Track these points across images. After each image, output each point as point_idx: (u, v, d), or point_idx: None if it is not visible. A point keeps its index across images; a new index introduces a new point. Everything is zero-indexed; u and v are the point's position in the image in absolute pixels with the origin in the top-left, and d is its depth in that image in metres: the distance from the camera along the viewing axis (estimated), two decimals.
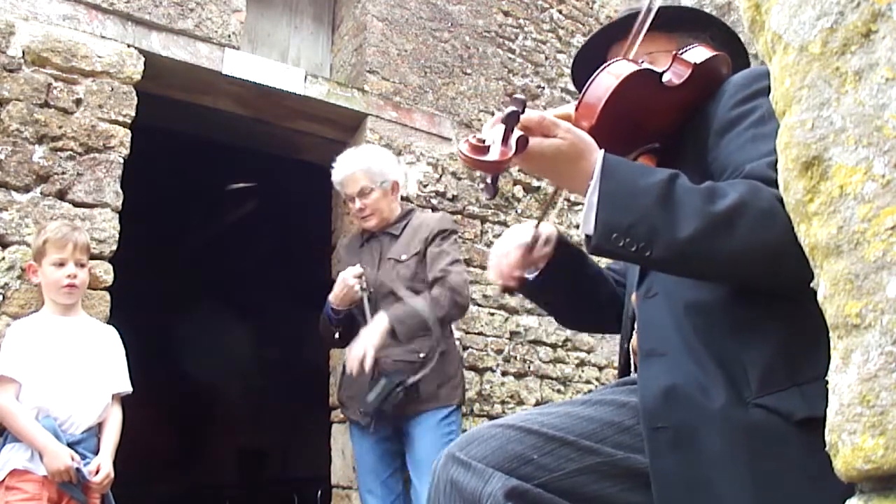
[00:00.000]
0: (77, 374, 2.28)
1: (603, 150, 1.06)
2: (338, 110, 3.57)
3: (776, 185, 0.97)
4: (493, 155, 1.02)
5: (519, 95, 1.04)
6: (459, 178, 3.89)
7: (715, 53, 1.26)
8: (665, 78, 1.22)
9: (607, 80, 1.16)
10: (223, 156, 4.65)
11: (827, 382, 0.67)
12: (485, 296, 3.82)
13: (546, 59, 4.47)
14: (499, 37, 4.27)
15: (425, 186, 3.76)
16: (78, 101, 2.84)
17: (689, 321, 1.12)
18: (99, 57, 2.91)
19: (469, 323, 3.72)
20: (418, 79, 3.88)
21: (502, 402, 3.73)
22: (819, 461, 0.79)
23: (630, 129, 1.21)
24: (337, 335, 2.66)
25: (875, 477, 0.61)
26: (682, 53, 1.25)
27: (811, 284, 0.73)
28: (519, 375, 3.85)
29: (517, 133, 1.03)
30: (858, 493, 0.65)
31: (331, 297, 2.61)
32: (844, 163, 0.66)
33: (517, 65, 4.32)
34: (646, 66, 1.22)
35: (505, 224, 4.00)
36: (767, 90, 1.10)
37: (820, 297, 0.69)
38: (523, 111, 1.03)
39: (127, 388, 2.43)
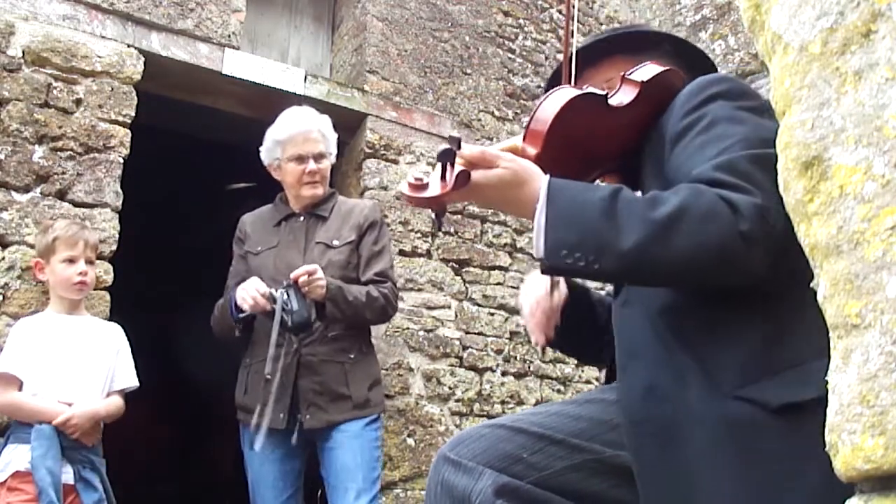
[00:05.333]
0: (80, 374, 2.28)
1: (548, 175, 1.08)
2: (338, 110, 3.57)
3: (721, 185, 1.01)
4: (432, 190, 1.05)
5: (454, 134, 1.08)
6: None
7: (665, 69, 1.28)
8: (613, 100, 1.24)
9: (550, 106, 1.18)
10: (223, 156, 4.64)
11: (805, 367, 0.67)
12: (485, 296, 3.82)
13: (546, 59, 4.47)
14: (499, 37, 4.27)
15: None
16: (78, 101, 2.84)
17: (663, 324, 1.14)
18: (99, 57, 2.91)
19: (469, 323, 3.72)
20: (418, 79, 3.88)
21: (502, 402, 3.73)
22: (800, 446, 0.79)
23: (583, 152, 1.23)
24: (237, 332, 2.38)
25: (875, 477, 0.61)
26: (629, 74, 1.28)
27: (811, 285, 0.73)
28: (519, 375, 3.85)
29: (458, 168, 1.06)
30: (858, 493, 0.65)
31: (239, 301, 2.27)
32: (844, 163, 0.66)
33: (517, 65, 4.32)
34: (589, 89, 1.24)
35: (505, 224, 4.00)
36: (716, 96, 1.15)
37: (820, 297, 0.69)
38: (459, 147, 1.05)
39: (133, 382, 2.43)
